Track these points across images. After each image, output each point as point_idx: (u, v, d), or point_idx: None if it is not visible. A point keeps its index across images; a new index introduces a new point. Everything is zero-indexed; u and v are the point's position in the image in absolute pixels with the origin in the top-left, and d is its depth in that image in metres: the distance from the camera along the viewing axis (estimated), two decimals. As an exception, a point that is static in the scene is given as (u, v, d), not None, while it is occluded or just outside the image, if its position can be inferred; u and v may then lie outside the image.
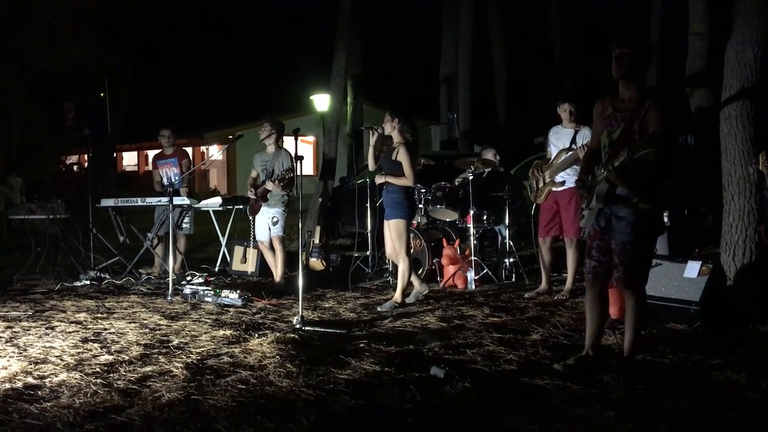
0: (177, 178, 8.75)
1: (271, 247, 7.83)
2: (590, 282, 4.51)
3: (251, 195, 7.79)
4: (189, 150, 21.57)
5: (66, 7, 18.08)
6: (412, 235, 7.52)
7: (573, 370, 4.34)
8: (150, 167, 10.28)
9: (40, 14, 17.76)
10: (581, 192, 4.57)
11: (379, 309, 6.52)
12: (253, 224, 8.07)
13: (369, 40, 19.49)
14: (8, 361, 4.81)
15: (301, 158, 6.15)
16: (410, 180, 6.64)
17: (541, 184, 7.11)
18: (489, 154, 8.37)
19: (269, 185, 7.56)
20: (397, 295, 6.69)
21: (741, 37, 6.44)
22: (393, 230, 6.74)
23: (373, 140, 6.88)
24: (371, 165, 6.97)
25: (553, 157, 7.05)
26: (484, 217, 7.95)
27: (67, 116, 9.61)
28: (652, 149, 4.01)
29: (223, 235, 9.29)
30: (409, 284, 6.91)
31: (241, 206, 8.90)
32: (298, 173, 6.24)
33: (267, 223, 7.76)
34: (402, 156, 6.62)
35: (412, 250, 7.23)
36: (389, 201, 6.77)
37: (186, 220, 8.78)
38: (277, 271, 7.73)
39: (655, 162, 4.11)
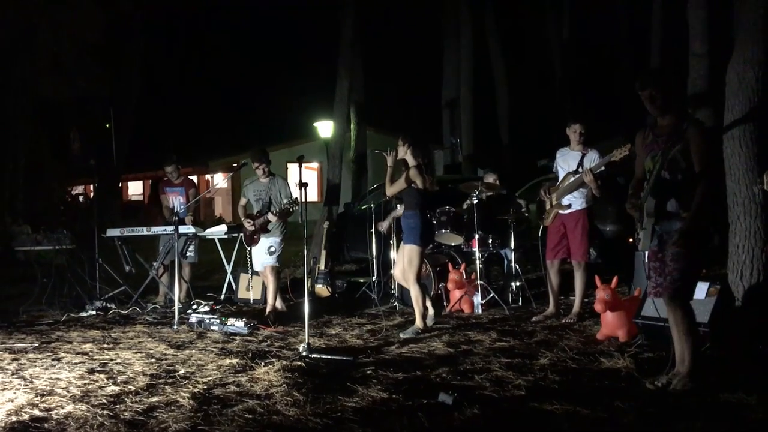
0: (182, 207, 8.75)
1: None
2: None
3: (248, 226, 7.75)
4: (194, 179, 21.59)
5: (70, 37, 18.25)
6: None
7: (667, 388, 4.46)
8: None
9: (45, 44, 17.91)
10: (633, 213, 4.68)
11: (401, 335, 6.45)
12: (250, 254, 8.07)
13: (371, 66, 19.59)
14: (15, 393, 4.80)
15: (305, 185, 6.17)
16: (388, 189, 6.78)
17: (548, 206, 7.11)
18: (490, 179, 8.38)
19: (271, 217, 7.54)
20: (418, 321, 6.63)
21: (742, 57, 6.44)
22: (406, 255, 6.73)
23: (389, 161, 6.87)
24: (387, 188, 6.88)
25: (560, 180, 7.05)
26: (490, 241, 7.94)
27: (72, 146, 9.67)
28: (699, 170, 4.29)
29: (229, 263, 9.29)
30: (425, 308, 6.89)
31: (245, 234, 8.91)
32: (303, 200, 6.26)
33: (265, 252, 7.73)
34: (407, 174, 6.63)
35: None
36: (405, 226, 6.78)
37: (191, 248, 8.79)
38: (270, 301, 7.66)
39: (700, 176, 4.36)
